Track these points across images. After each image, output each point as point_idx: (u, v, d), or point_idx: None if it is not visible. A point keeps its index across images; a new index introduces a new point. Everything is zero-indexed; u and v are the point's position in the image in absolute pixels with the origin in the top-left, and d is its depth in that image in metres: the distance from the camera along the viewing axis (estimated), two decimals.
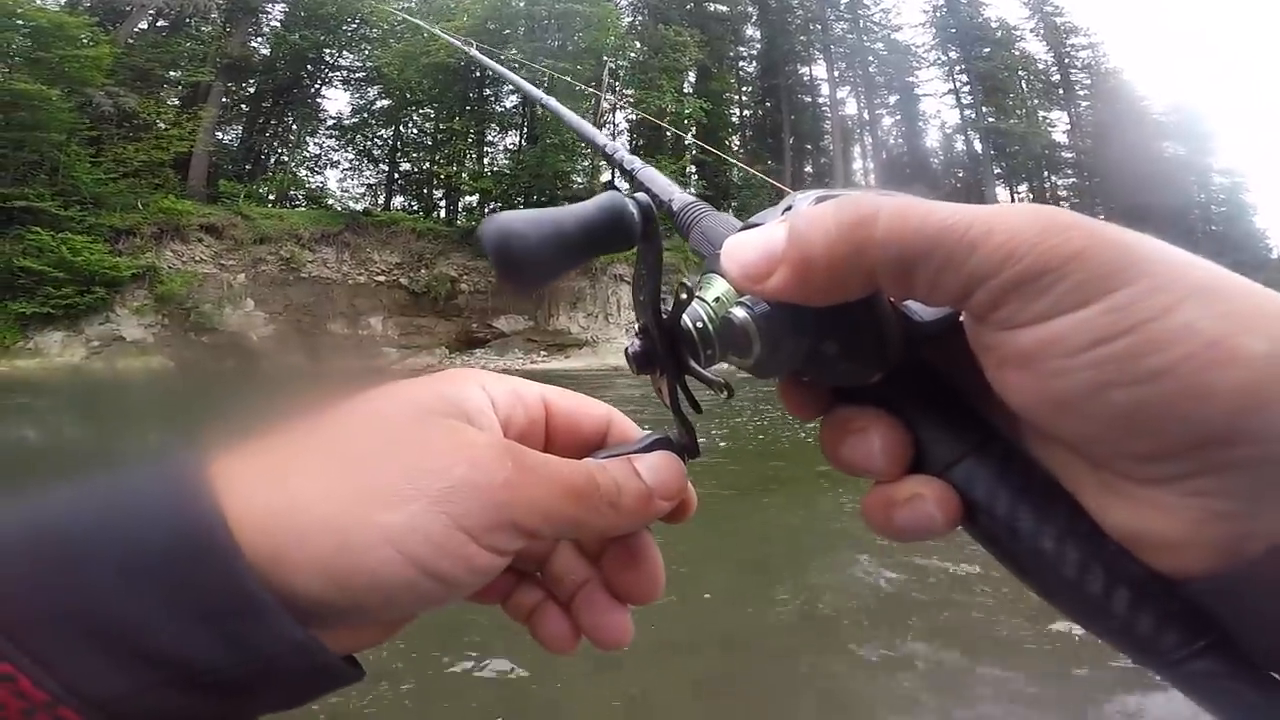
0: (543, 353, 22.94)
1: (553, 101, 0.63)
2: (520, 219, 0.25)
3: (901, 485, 0.24)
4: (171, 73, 23.89)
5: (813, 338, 0.24)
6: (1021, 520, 0.23)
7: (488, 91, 30.81)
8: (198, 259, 19.37)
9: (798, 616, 3.01)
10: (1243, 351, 0.17)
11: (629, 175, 0.42)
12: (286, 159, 27.20)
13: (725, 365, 0.27)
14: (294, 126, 27.57)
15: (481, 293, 23.25)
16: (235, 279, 19.65)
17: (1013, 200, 38.48)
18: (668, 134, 31.22)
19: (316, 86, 28.90)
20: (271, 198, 24.86)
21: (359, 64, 29.32)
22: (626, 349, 0.28)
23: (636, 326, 0.28)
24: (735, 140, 33.40)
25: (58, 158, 18.57)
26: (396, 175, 29.31)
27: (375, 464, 0.23)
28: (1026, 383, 0.20)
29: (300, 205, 25.35)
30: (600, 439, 0.31)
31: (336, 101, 35.17)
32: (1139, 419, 0.19)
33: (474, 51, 1.33)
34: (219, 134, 25.07)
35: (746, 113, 34.85)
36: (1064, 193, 38.37)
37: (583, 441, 0.30)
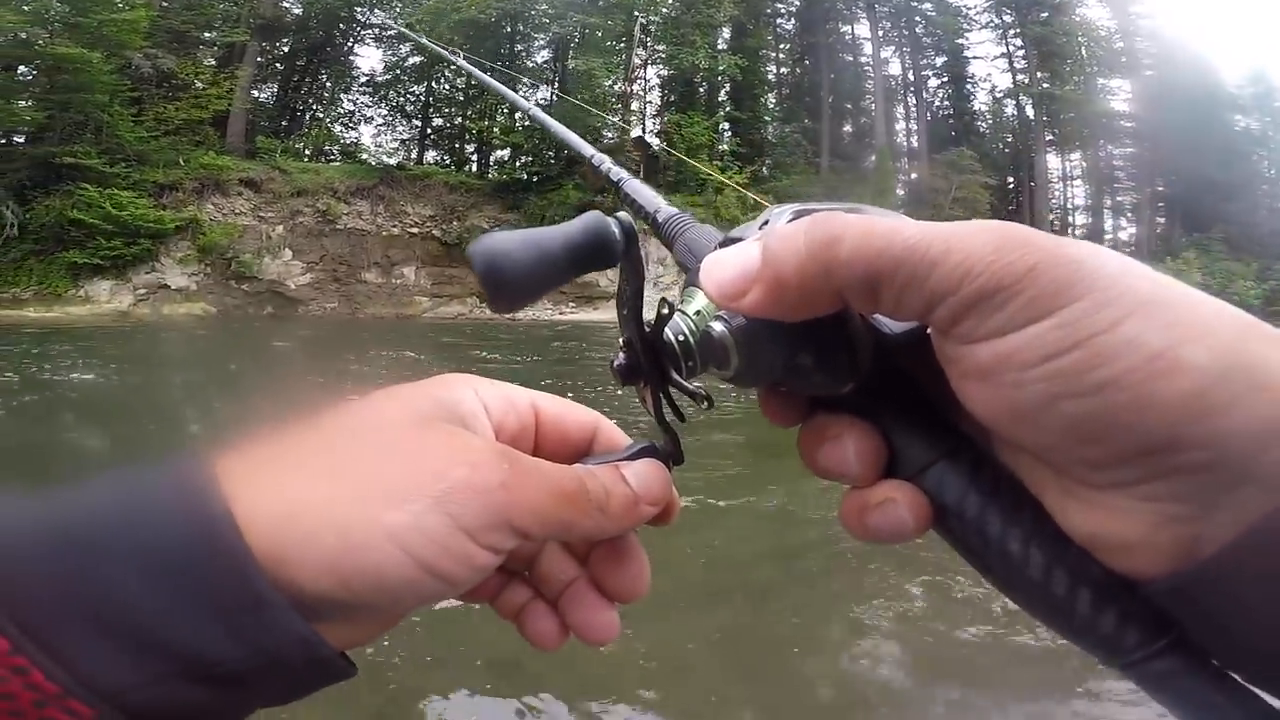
0: (571, 304, 22.61)
1: (538, 112, 0.64)
2: (508, 240, 0.25)
3: (875, 490, 0.25)
4: (207, 34, 23.93)
5: (787, 351, 0.25)
6: (989, 524, 0.23)
7: (519, 47, 30.18)
8: (238, 211, 19.57)
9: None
10: (1185, 362, 0.18)
11: (615, 186, 0.42)
12: (321, 115, 27.22)
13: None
14: (328, 84, 27.48)
15: None
16: (274, 230, 19.83)
17: (1064, 168, 36.16)
18: (700, 90, 30.12)
19: (349, 44, 28.68)
20: (308, 153, 24.92)
21: (390, 21, 29.04)
22: (611, 361, 0.28)
23: (620, 340, 0.28)
24: (771, 98, 31.77)
25: (102, 118, 18.84)
26: (429, 130, 29.05)
27: (377, 466, 0.24)
28: (986, 394, 0.21)
29: (335, 160, 25.37)
30: (587, 445, 0.31)
31: (369, 59, 34.87)
32: (1089, 428, 0.19)
33: (461, 61, 1.27)
34: (255, 92, 25.11)
35: (783, 70, 32.94)
36: (1120, 163, 35.52)
37: (570, 447, 0.31)
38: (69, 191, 17.33)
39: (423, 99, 29.07)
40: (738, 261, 0.24)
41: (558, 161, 25.79)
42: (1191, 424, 0.18)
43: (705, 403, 0.27)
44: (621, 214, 0.28)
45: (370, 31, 29.27)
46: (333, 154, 26.11)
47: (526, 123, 28.80)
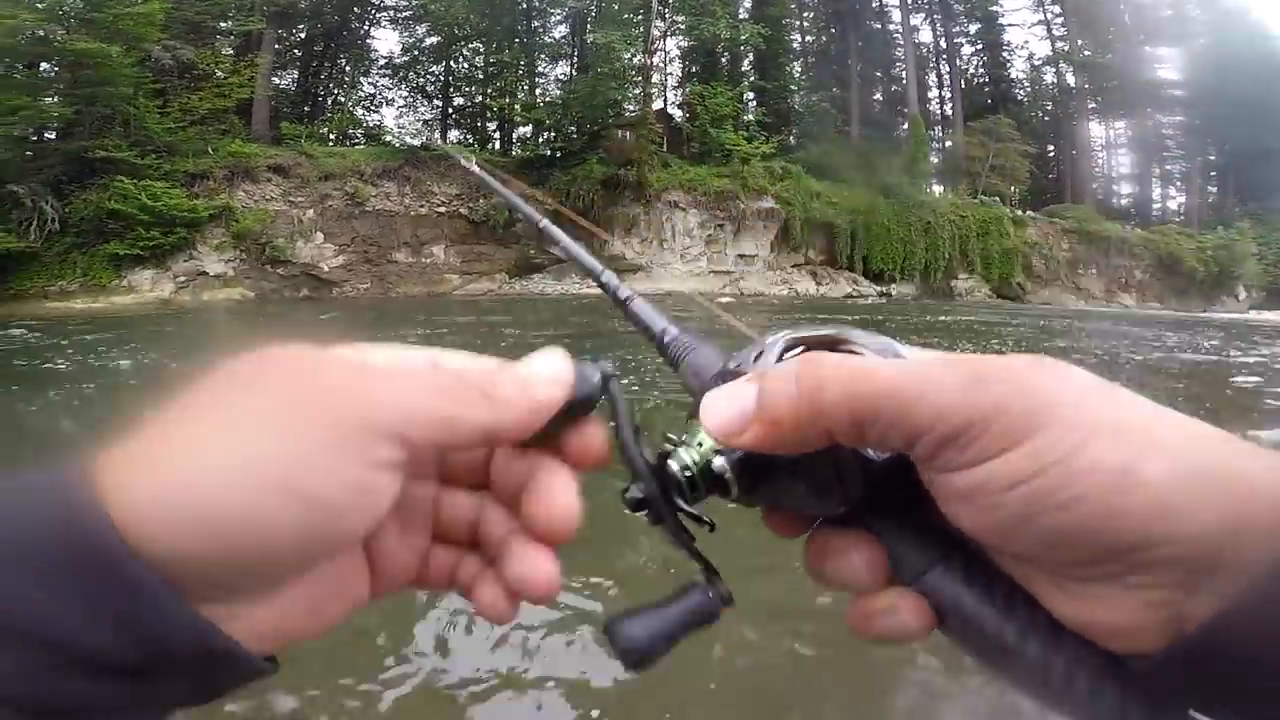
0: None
1: (549, 224, 0.63)
2: (630, 625, 0.27)
3: (879, 597, 0.26)
4: (222, 24, 23.83)
5: (783, 480, 0.27)
6: (987, 621, 0.25)
7: (535, 23, 29.63)
8: (268, 197, 19.57)
9: None
10: (1145, 476, 0.21)
11: (621, 305, 0.43)
12: (342, 100, 27.05)
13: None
14: (346, 68, 27.25)
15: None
16: (304, 214, 19.81)
17: (1107, 136, 34.43)
18: (723, 61, 29.31)
19: (365, 28, 28.40)
20: (331, 137, 24.81)
21: (405, 3, 28.64)
22: (623, 492, 0.29)
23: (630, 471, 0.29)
24: (797, 66, 30.86)
25: (128, 111, 18.87)
26: (450, 110, 28.74)
27: (232, 418, 0.22)
28: (968, 512, 0.23)
29: (359, 143, 25.24)
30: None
31: (386, 41, 34.63)
32: (1065, 538, 0.22)
33: (474, 166, 1.18)
34: (276, 79, 25.00)
35: (809, 38, 31.91)
36: (1169, 131, 33.95)
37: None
38: (104, 185, 17.43)
39: (442, 79, 28.76)
40: (735, 403, 0.26)
41: (580, 136, 25.40)
42: (1159, 527, 0.21)
43: (709, 527, 0.28)
44: (601, 365, 0.29)
45: (385, 14, 29.06)
46: (356, 137, 25.99)
47: (547, 99, 28.56)
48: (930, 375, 0.23)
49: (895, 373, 0.23)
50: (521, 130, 28.17)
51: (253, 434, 0.22)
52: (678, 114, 27.55)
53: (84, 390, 6.01)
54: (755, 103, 28.02)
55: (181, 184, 18.39)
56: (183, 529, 0.21)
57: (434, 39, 28.84)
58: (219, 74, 21.75)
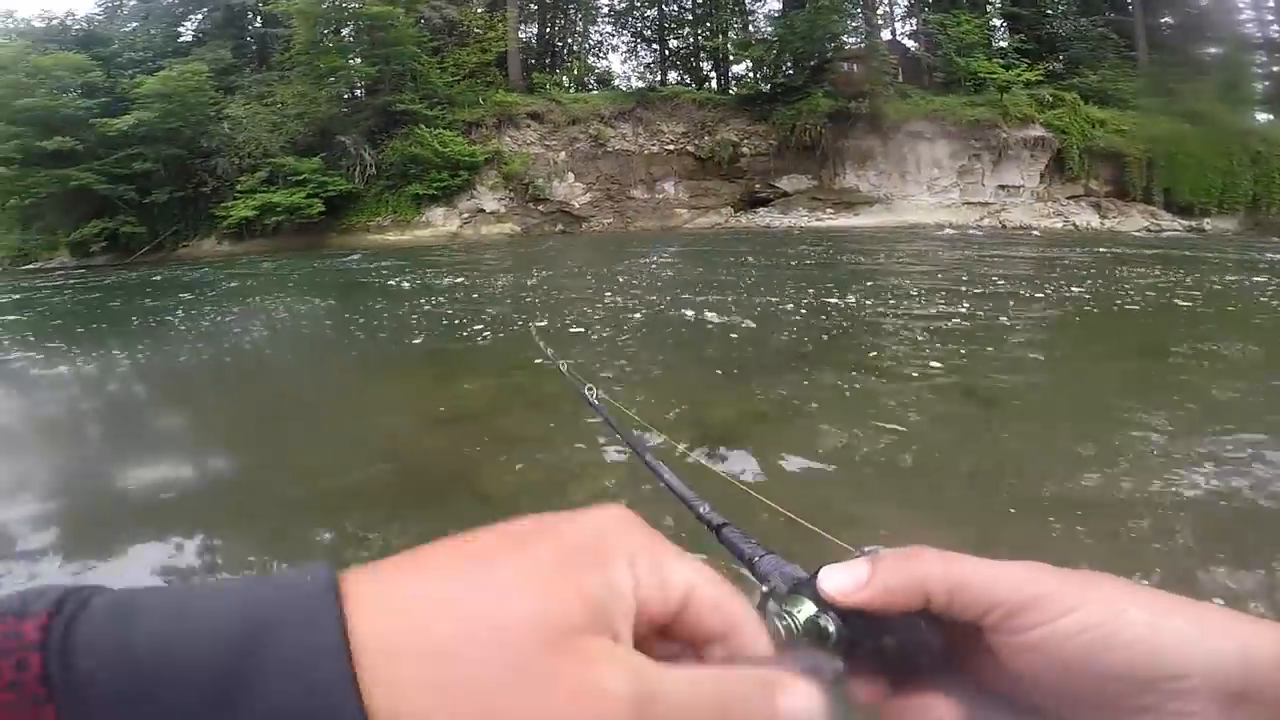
0: (829, 210, 21.82)
1: (651, 459, 0.67)
2: None
3: None
4: None
5: (875, 637, 0.31)
6: None
7: None
8: (528, 141, 21.32)
9: None
10: (1175, 624, 0.27)
11: (716, 532, 0.47)
12: (575, 48, 28.37)
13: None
14: (576, 17, 28.46)
15: (763, 155, 22.56)
16: (558, 156, 21.35)
17: None
18: None
19: None
20: (569, 85, 26.25)
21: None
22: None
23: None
24: None
25: (415, 67, 21.32)
26: (667, 52, 29.08)
27: (493, 689, 0.21)
28: (1036, 660, 0.29)
29: (593, 89, 26.48)
30: (724, 636, 0.26)
31: None
32: (1118, 671, 0.27)
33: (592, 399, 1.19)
34: (520, 33, 26.77)
35: None
36: None
37: (706, 636, 0.26)
38: (405, 134, 20.01)
39: (657, 23, 29.10)
40: (854, 571, 0.31)
41: (800, 71, 24.55)
42: (1189, 660, 0.26)
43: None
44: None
45: None
46: (590, 84, 27.27)
47: (760, 36, 27.87)
48: (1000, 565, 0.30)
49: (974, 563, 0.30)
50: (737, 69, 27.78)
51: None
52: (911, 44, 25.54)
53: (419, 303, 7.16)
54: (1008, 30, 25.12)
55: (461, 131, 20.59)
56: None
57: None
58: (477, 30, 23.76)
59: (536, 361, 4.11)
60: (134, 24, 26.37)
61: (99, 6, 28.38)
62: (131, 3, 28.34)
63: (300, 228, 19.52)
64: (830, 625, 0.31)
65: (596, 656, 0.22)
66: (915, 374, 3.76)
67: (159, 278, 13.12)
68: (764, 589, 0.36)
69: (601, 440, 2.85)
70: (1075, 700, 0.29)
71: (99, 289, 11.52)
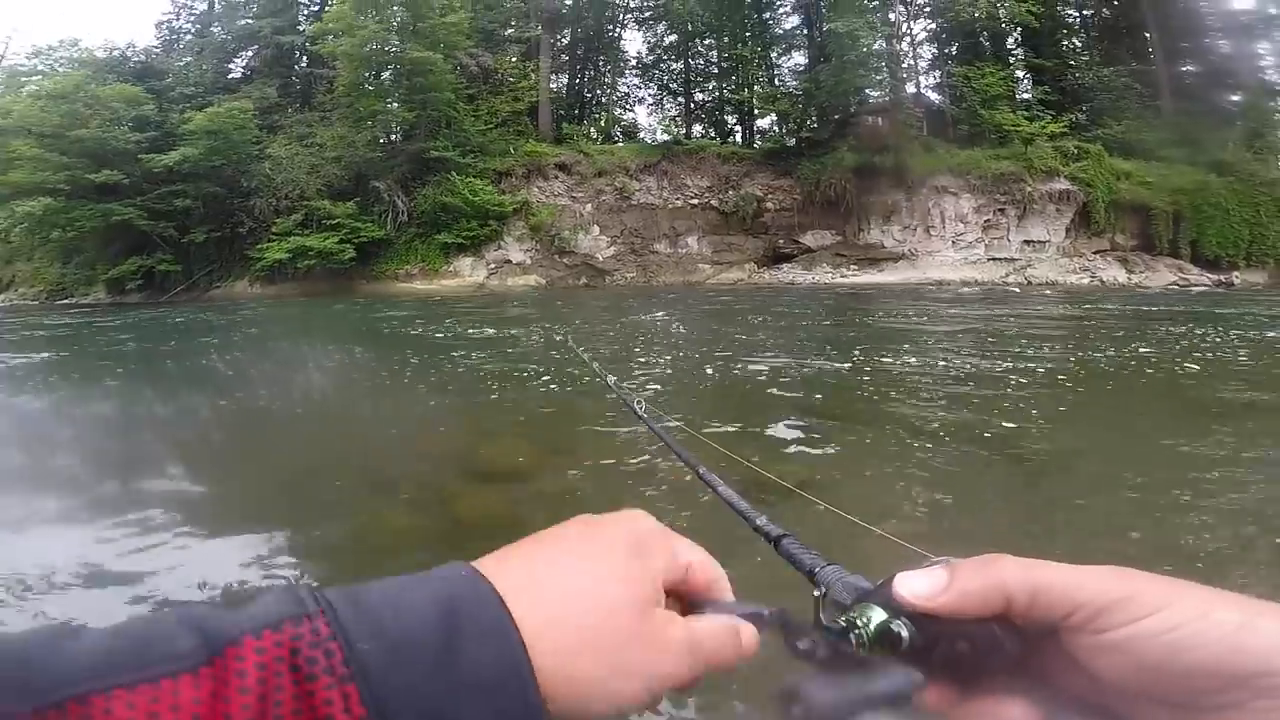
0: (853, 267, 21.68)
1: (705, 470, 0.68)
2: (814, 689, 0.32)
3: None
4: (507, 31, 26.33)
5: (948, 640, 0.32)
6: None
7: (766, 15, 29.19)
8: (556, 193, 21.48)
9: None
10: (1261, 626, 0.28)
11: (775, 544, 0.49)
12: (603, 99, 28.76)
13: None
14: (605, 69, 28.90)
15: (787, 210, 22.54)
16: (584, 209, 21.47)
17: None
18: (984, 40, 26.56)
19: (617, 30, 29.90)
20: (596, 136, 26.54)
21: (648, 3, 29.70)
22: (794, 643, 0.35)
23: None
24: (1078, 42, 27.06)
25: (450, 114, 21.64)
26: (692, 105, 29.38)
27: (619, 648, 0.31)
28: (1119, 661, 0.29)
29: (619, 141, 26.74)
30: (706, 590, 0.38)
31: (634, 42, 35.99)
32: (1203, 669, 0.28)
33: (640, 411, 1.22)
34: (551, 83, 27.20)
35: (1087, 12, 27.73)
36: None
37: (696, 592, 0.38)
38: (438, 181, 20.23)
39: (683, 75, 29.47)
40: (932, 578, 0.33)
41: (824, 125, 24.65)
42: (1276, 660, 0.27)
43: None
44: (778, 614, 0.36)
45: (631, 15, 30.37)
46: (616, 136, 27.57)
47: (786, 90, 28.14)
48: (1081, 568, 0.31)
49: (1055, 566, 0.31)
50: (762, 123, 28.00)
51: (626, 677, 0.31)
52: (935, 97, 25.60)
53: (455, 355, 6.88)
54: (1032, 81, 25.14)
55: (491, 180, 20.80)
56: (564, 701, 0.29)
57: (672, 37, 29.65)
58: (510, 79, 24.16)
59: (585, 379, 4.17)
60: (188, 58, 27.06)
61: (157, 39, 29.40)
62: (187, 37, 29.30)
63: (330, 273, 19.71)
64: (903, 630, 0.32)
65: (663, 620, 0.33)
66: (950, 432, 3.72)
67: (210, 317, 13.20)
68: (816, 594, 0.38)
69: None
70: (1156, 699, 0.29)
71: (165, 325, 11.60)
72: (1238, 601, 0.29)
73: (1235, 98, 23.41)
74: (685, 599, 0.38)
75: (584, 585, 0.32)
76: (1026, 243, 20.91)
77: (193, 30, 29.15)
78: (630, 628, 0.32)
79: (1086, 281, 19.38)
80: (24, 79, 23.00)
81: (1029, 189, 20.48)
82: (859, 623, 0.33)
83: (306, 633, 0.26)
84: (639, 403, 1.26)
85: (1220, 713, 0.28)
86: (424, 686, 0.26)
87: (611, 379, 1.61)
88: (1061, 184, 20.53)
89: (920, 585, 0.33)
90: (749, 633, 0.36)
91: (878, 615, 0.33)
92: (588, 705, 0.30)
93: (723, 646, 0.35)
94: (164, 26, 29.54)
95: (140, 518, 2.62)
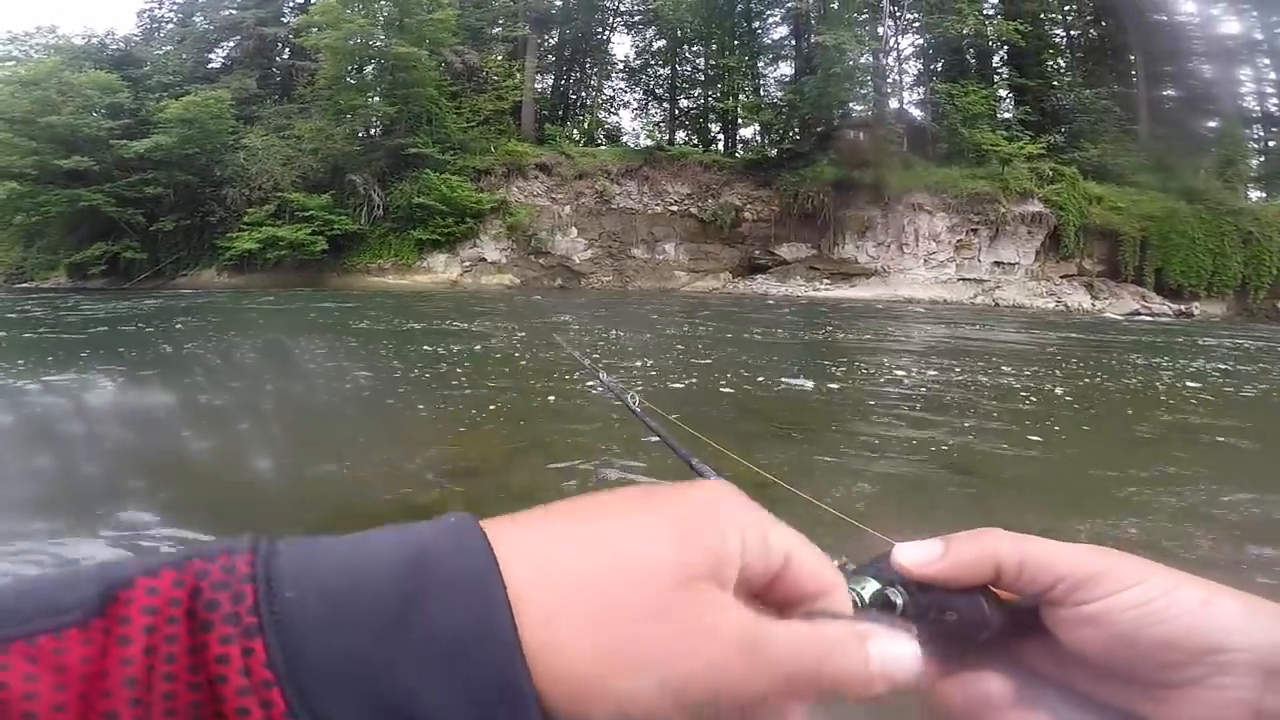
0: (825, 281, 21.46)
1: (699, 462, 0.71)
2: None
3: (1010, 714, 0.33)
4: (494, 29, 25.86)
5: (939, 608, 0.33)
6: None
7: (755, 24, 29.00)
8: (535, 193, 21.05)
9: None
10: (1223, 604, 0.29)
11: None
12: (588, 102, 28.36)
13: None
14: (592, 72, 28.52)
15: (764, 221, 22.29)
16: (563, 210, 21.06)
17: None
18: (970, 58, 26.49)
19: (605, 33, 29.54)
20: (579, 138, 26.14)
21: (637, 7, 29.40)
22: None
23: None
24: (1061, 62, 27.07)
25: (432, 110, 21.15)
26: (677, 111, 29.08)
27: (635, 621, 0.23)
28: (1093, 633, 0.30)
29: (601, 144, 26.36)
30: (816, 598, 0.29)
31: (622, 46, 35.60)
32: (1168, 643, 0.29)
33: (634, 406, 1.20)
34: (535, 84, 26.76)
35: (1074, 33, 27.79)
36: None
37: (801, 596, 0.28)
38: (415, 177, 19.73)
39: (669, 81, 29.17)
40: (927, 546, 0.33)
41: (806, 137, 24.44)
42: (1236, 636, 0.28)
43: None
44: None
45: (621, 19, 30.04)
46: (599, 139, 27.19)
47: (770, 101, 27.93)
48: (1064, 545, 0.32)
49: (1042, 541, 0.32)
50: (744, 132, 27.76)
51: (637, 667, 0.23)
52: (917, 113, 25.49)
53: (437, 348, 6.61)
54: (1014, 101, 25.08)
55: (470, 178, 20.33)
56: (550, 693, 0.22)
57: (661, 42, 29.35)
58: (494, 78, 23.70)
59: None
60: (168, 47, 26.36)
61: (138, 28, 28.61)
62: (169, 26, 28.53)
63: (300, 264, 19.12)
64: (897, 598, 0.33)
65: (714, 601, 0.24)
66: (905, 445, 3.71)
67: (182, 304, 12.61)
68: (837, 563, 0.34)
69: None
70: (1123, 675, 0.30)
71: (129, 312, 11.01)
72: (1203, 583, 0.30)
73: (1212, 124, 23.47)
74: (784, 607, 0.28)
75: (606, 542, 0.25)
76: (997, 264, 20.79)
77: (174, 19, 28.38)
78: (658, 601, 0.24)
79: (1051, 305, 19.30)
80: None
81: (1003, 210, 20.34)
82: (855, 591, 0.33)
83: (216, 570, 0.21)
84: (632, 397, 1.21)
85: (1181, 689, 0.29)
86: (367, 651, 0.20)
87: (603, 374, 1.54)
88: (1035, 206, 20.42)
89: (916, 554, 0.33)
90: (892, 645, 0.27)
91: (872, 585, 0.33)
92: (580, 699, 0.22)
93: (827, 655, 0.25)
94: (145, 15, 28.76)
95: (89, 517, 2.42)
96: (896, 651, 0.27)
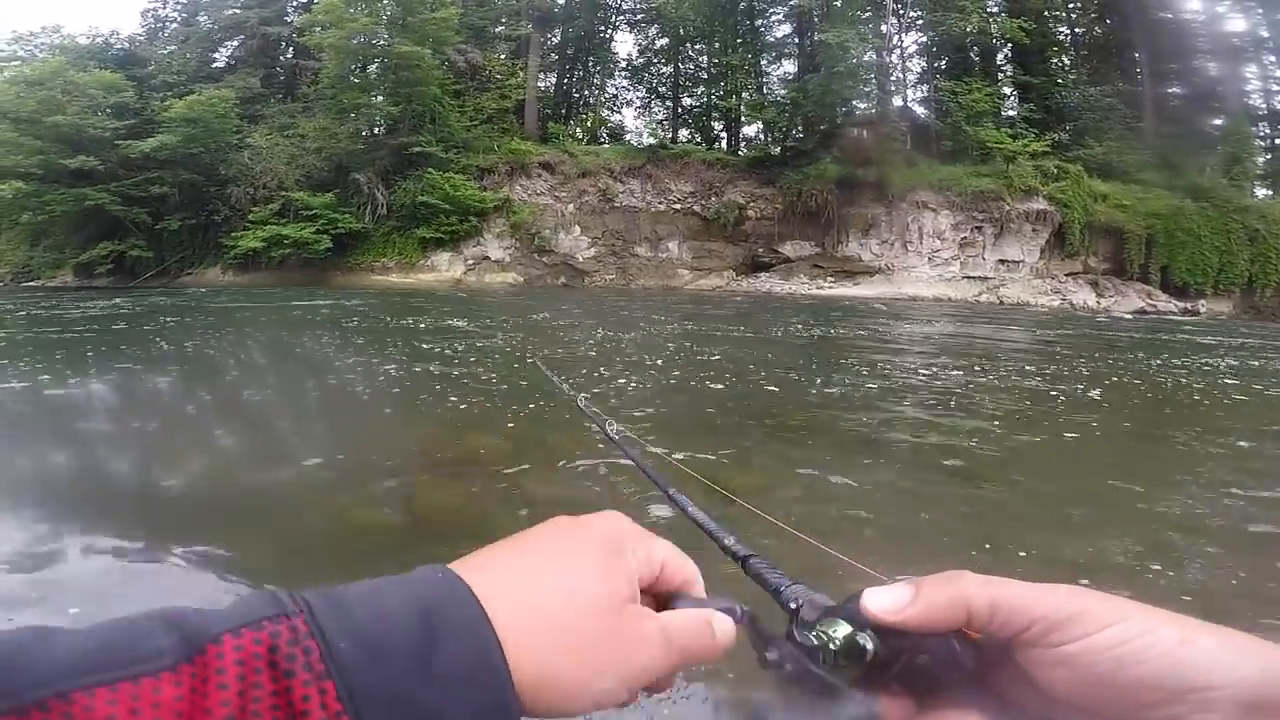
0: (829, 279, 21.34)
1: (675, 492, 0.68)
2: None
3: None
4: (497, 28, 25.75)
5: (910, 655, 0.33)
6: None
7: (758, 22, 28.81)
8: (538, 192, 20.95)
9: None
10: (1202, 642, 0.29)
11: (742, 563, 0.48)
12: (591, 100, 28.25)
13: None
14: (595, 70, 28.40)
15: (768, 219, 22.15)
16: (566, 209, 20.97)
17: None
18: (974, 55, 26.28)
19: (608, 32, 29.40)
20: (582, 136, 26.04)
21: (640, 5, 29.24)
22: (764, 654, 0.36)
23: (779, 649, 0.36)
24: (1066, 60, 26.83)
25: (435, 109, 21.06)
26: (680, 109, 28.94)
27: (597, 646, 0.32)
28: (1069, 674, 0.30)
29: (605, 142, 26.24)
30: (679, 586, 0.39)
31: (625, 44, 35.43)
32: (1147, 682, 0.29)
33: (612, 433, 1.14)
34: (539, 82, 26.65)
35: (1078, 30, 27.49)
36: None
37: (669, 589, 0.38)
38: (419, 176, 19.66)
39: (672, 79, 29.02)
40: (896, 592, 0.34)
41: (809, 135, 24.28)
42: (1216, 674, 0.28)
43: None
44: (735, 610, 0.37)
45: (623, 17, 29.89)
46: (602, 137, 27.08)
47: (774, 99, 27.77)
48: (1039, 586, 0.32)
49: (1016, 583, 0.32)
50: (748, 130, 27.62)
51: (604, 674, 0.32)
52: (921, 111, 25.31)
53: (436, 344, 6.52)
54: (1018, 98, 24.87)
55: (473, 177, 20.24)
56: (540, 704, 0.30)
57: (663, 40, 29.19)
58: (497, 76, 23.60)
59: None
60: (172, 47, 26.32)
61: (142, 27, 28.57)
62: (173, 25, 28.49)
63: (305, 263, 19.08)
64: (868, 643, 0.33)
65: (637, 614, 0.34)
66: (910, 446, 3.68)
67: (192, 303, 12.56)
68: (792, 605, 0.38)
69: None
70: (1105, 709, 0.30)
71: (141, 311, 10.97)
72: (1180, 620, 0.30)
73: (1217, 122, 23.26)
74: (660, 596, 0.38)
75: (560, 585, 0.33)
76: (1001, 262, 20.61)
77: (178, 19, 28.33)
78: (606, 625, 0.32)
79: (1057, 303, 19.12)
80: (2, 65, 22.17)
81: (1007, 208, 20.17)
82: (827, 635, 0.34)
83: (285, 630, 0.27)
84: (610, 424, 1.22)
85: None
86: (401, 684, 0.27)
87: (582, 399, 1.58)
88: (1039, 204, 20.25)
89: (885, 600, 0.34)
90: (722, 623, 0.36)
91: (844, 629, 0.33)
92: (567, 703, 0.30)
93: (697, 637, 0.35)
94: (149, 15, 28.72)
95: (83, 516, 2.38)
96: (724, 626, 0.36)
